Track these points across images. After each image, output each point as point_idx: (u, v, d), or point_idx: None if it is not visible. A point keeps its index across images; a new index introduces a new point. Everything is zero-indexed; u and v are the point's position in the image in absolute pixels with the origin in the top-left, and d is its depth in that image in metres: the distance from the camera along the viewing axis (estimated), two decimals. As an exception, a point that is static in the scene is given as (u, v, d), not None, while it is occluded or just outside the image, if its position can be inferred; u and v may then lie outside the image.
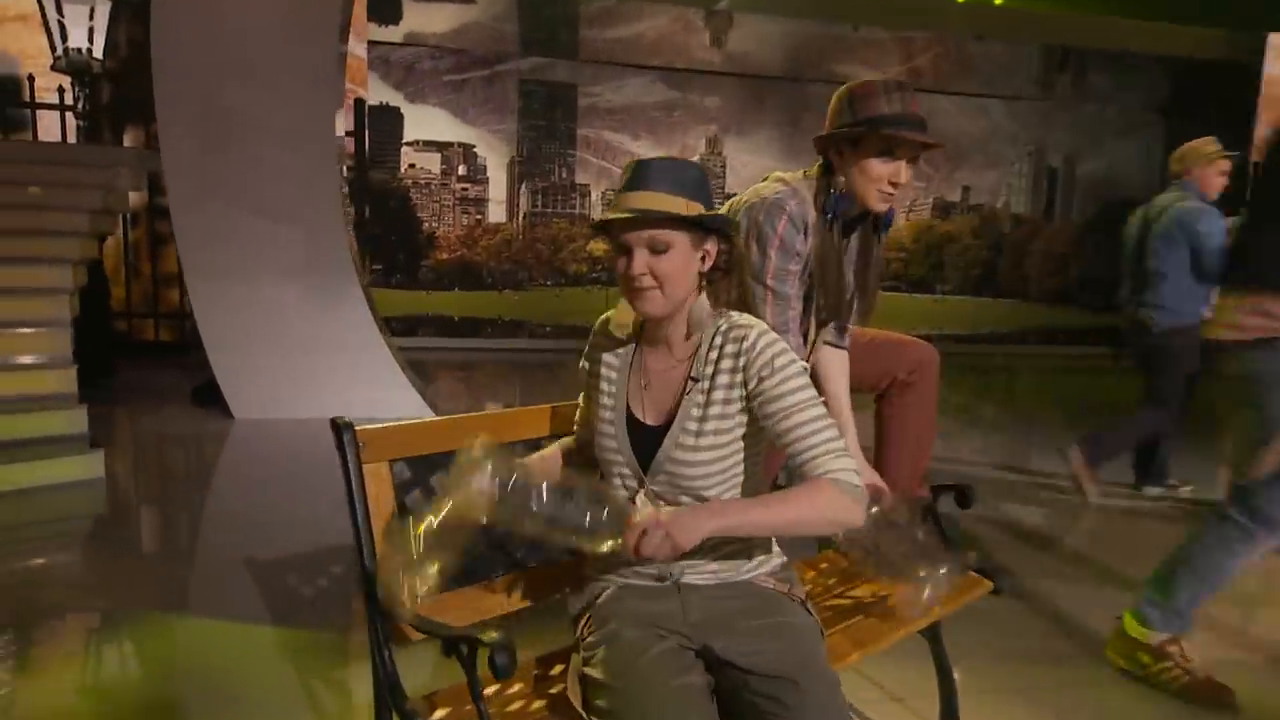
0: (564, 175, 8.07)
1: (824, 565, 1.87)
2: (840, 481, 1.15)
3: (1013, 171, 9.05)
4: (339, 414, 1.29)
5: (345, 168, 6.12)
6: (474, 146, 7.83)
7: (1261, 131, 7.90)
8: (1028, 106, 8.96)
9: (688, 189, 1.19)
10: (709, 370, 1.23)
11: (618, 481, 1.28)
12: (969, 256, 9.08)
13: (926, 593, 1.52)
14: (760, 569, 1.30)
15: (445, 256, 7.91)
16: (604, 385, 1.32)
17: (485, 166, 7.89)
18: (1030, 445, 5.42)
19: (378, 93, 7.49)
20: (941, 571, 1.53)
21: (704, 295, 1.25)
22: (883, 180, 1.75)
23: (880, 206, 1.80)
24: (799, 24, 8.26)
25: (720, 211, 1.49)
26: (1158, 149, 9.09)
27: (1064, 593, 2.71)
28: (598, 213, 8.13)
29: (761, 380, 1.19)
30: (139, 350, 6.71)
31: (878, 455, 2.15)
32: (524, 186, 8.00)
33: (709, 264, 1.23)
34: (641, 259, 1.19)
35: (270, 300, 4.70)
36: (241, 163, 4.57)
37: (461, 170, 7.84)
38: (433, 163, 7.76)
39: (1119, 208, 9.19)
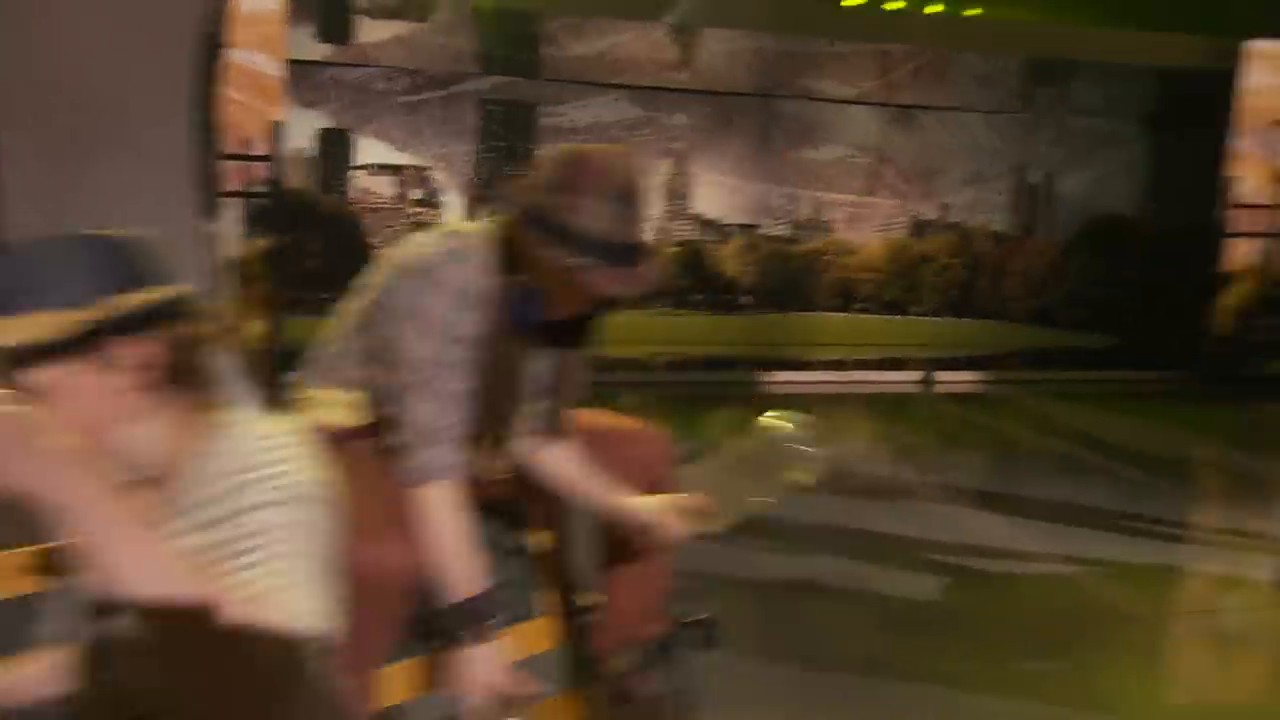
0: (525, 198, 7.76)
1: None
2: None
3: (991, 188, 8.78)
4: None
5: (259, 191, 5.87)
6: (429, 169, 7.53)
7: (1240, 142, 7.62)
8: (1008, 120, 8.68)
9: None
10: None
11: None
12: (947, 276, 8.82)
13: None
14: None
15: (401, 283, 7.61)
16: None
17: (442, 190, 7.59)
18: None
19: (323, 114, 7.17)
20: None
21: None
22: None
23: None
24: (770, 39, 7.95)
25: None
26: (1144, 162, 8.84)
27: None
28: (560, 237, 7.85)
29: None
30: None
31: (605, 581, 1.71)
32: (484, 211, 7.70)
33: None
34: None
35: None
36: (89, 185, 4.24)
37: (416, 194, 7.53)
38: (386, 186, 7.45)
39: (1103, 224, 8.99)
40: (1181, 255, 8.78)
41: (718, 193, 8.17)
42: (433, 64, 7.31)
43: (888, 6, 7.75)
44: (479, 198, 7.65)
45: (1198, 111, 8.36)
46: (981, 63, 8.51)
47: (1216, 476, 6.54)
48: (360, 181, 7.39)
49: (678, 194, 8.08)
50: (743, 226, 8.30)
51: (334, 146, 7.26)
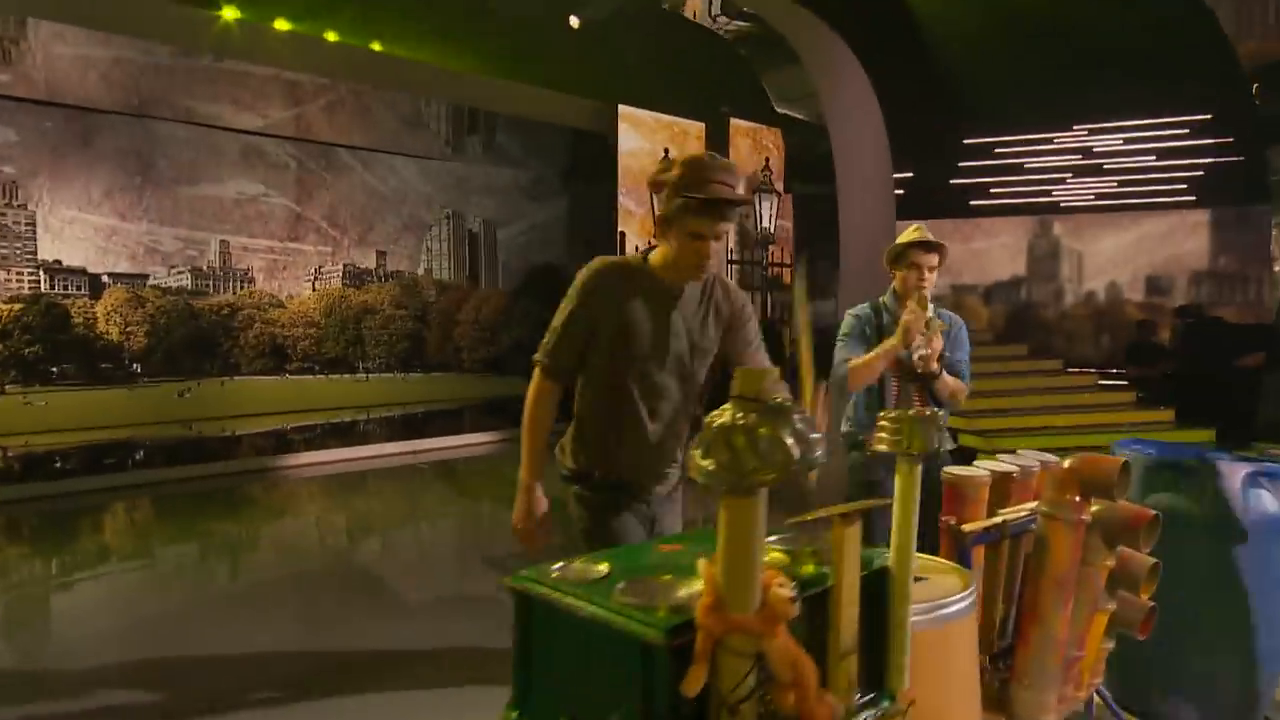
0: None
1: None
2: None
3: (431, 235, 8.40)
4: None
5: None
6: None
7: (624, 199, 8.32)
8: (440, 166, 8.42)
9: None
10: None
11: None
12: (393, 329, 8.13)
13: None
14: None
15: None
16: None
17: None
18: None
19: None
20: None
21: None
22: None
23: None
24: (136, 47, 6.47)
25: None
26: (567, 213, 9.27)
27: None
28: None
29: None
30: None
31: None
32: None
33: None
34: None
35: None
36: None
37: None
38: None
39: (542, 273, 9.22)
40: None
41: (77, 230, 6.34)
42: None
43: (279, 27, 6.84)
44: None
45: (594, 169, 9.04)
46: (407, 103, 8.14)
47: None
48: None
49: (12, 234, 6.05)
50: (122, 276, 6.56)
51: None
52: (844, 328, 3.01)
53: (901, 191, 7.70)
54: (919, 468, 1.37)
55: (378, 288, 8.03)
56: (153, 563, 5.25)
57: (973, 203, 8.97)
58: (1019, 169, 8.82)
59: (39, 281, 6.18)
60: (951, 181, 8.91)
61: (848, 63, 6.98)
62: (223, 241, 7.06)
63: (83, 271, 6.38)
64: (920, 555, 1.56)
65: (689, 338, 2.08)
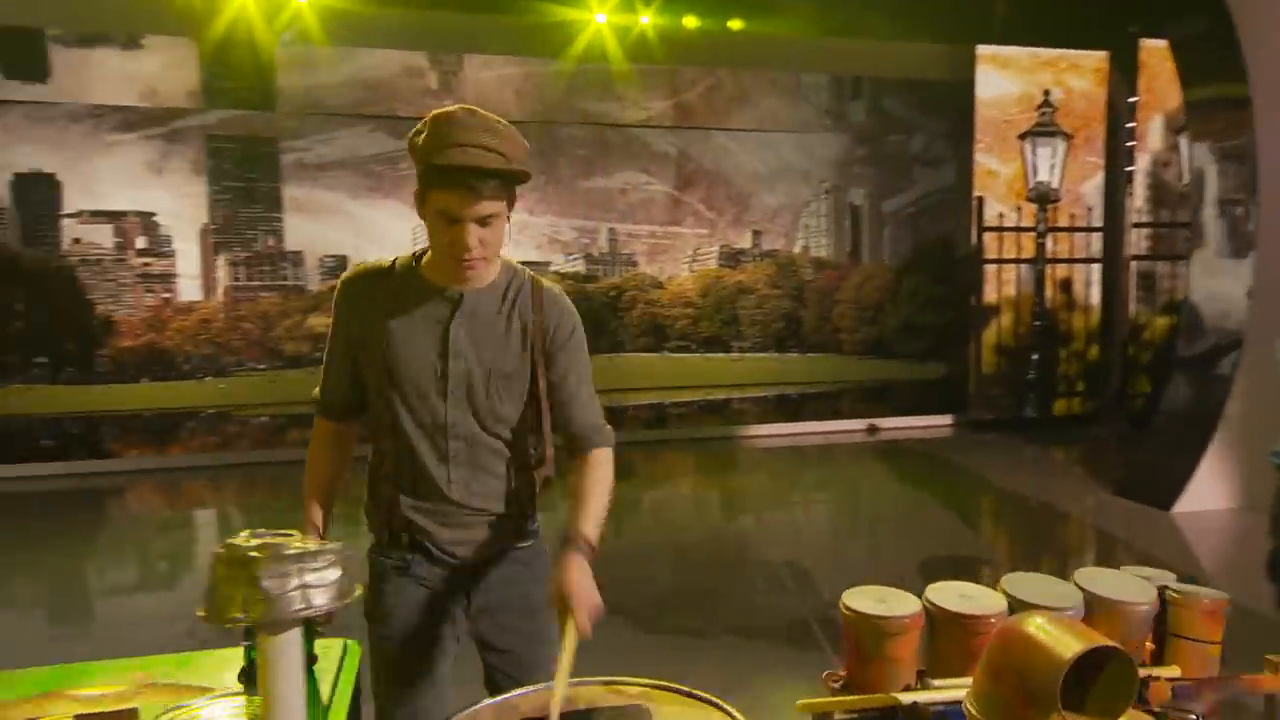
0: (271, 242, 6.98)
1: None
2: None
3: (809, 211, 8.13)
4: None
5: None
6: (154, 215, 6.74)
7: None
8: (818, 139, 8.10)
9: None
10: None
11: None
12: (768, 308, 8.06)
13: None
14: None
15: (129, 344, 6.73)
16: None
17: (171, 237, 6.79)
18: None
19: (24, 159, 6.41)
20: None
21: None
22: None
23: None
24: (542, 64, 7.38)
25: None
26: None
27: None
28: (314, 283, 7.05)
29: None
30: None
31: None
32: (221, 257, 6.89)
33: None
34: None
35: None
36: None
37: (141, 243, 6.73)
38: (104, 235, 6.64)
39: (934, 246, 8.34)
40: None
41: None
42: (150, 99, 6.62)
43: (688, 23, 7.22)
44: (217, 244, 6.86)
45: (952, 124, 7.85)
46: (787, 80, 7.99)
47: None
48: (72, 231, 6.58)
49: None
50: (529, 264, 7.53)
51: (37, 194, 6.47)
52: None
53: None
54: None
55: (753, 267, 8.03)
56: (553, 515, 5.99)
57: None
58: None
59: (469, 270, 7.40)
60: None
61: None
62: (611, 229, 7.71)
63: (501, 261, 7.48)
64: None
65: (477, 357, 1.58)
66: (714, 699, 1.22)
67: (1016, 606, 1.29)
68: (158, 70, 6.62)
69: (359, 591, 1.15)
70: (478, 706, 1.23)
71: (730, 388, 8.09)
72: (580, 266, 7.66)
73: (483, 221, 1.49)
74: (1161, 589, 1.39)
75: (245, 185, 6.89)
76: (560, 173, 7.55)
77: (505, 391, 1.61)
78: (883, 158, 8.21)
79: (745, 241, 8.03)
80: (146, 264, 6.75)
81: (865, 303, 8.21)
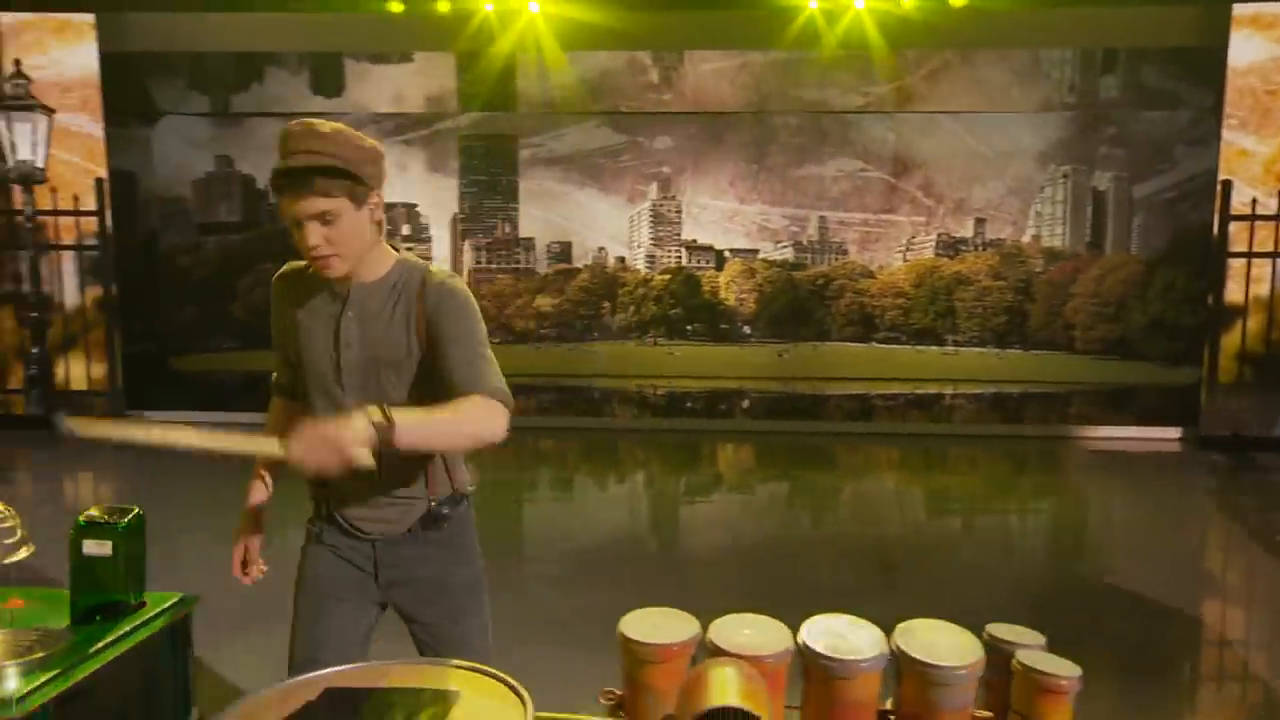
0: (507, 230, 7.83)
1: None
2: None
3: (1042, 197, 7.53)
4: None
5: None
6: (416, 206, 7.84)
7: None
8: (1057, 119, 7.47)
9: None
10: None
11: None
12: (988, 301, 7.60)
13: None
14: None
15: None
16: None
17: (428, 225, 7.86)
18: None
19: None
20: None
21: None
22: None
23: None
24: (759, 54, 7.53)
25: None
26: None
27: None
28: (543, 266, 7.79)
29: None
30: None
31: None
32: (467, 243, 7.85)
33: None
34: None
35: None
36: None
37: (405, 230, 7.85)
38: (377, 223, 7.84)
39: (1195, 234, 7.33)
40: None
41: (709, 216, 7.74)
42: (417, 106, 7.70)
43: (907, 4, 7.03)
44: (464, 231, 7.83)
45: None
46: (1021, 56, 7.46)
47: None
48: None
49: (666, 220, 7.75)
50: (740, 251, 7.75)
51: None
52: None
53: None
54: None
55: (974, 257, 7.61)
56: (751, 497, 6.27)
57: None
58: None
59: (681, 257, 7.78)
60: None
61: None
62: (821, 217, 7.69)
63: (710, 248, 7.77)
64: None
65: (365, 346, 1.68)
66: (514, 682, 1.20)
67: (806, 654, 1.16)
68: (424, 81, 7.69)
69: (25, 554, 1.64)
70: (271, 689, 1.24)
71: (942, 382, 7.75)
72: (789, 254, 7.73)
73: (322, 220, 1.56)
74: (1007, 655, 1.17)
75: (488, 179, 7.79)
76: (772, 161, 7.67)
77: (396, 378, 1.70)
78: (1135, 137, 7.39)
79: (966, 230, 7.63)
80: (409, 249, 7.86)
81: (1107, 297, 7.46)
